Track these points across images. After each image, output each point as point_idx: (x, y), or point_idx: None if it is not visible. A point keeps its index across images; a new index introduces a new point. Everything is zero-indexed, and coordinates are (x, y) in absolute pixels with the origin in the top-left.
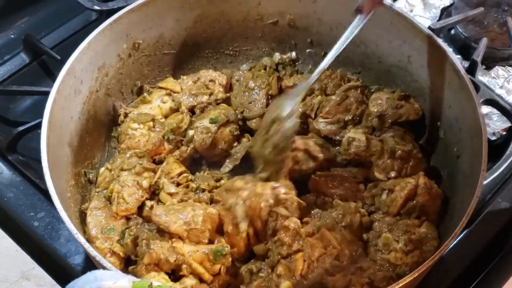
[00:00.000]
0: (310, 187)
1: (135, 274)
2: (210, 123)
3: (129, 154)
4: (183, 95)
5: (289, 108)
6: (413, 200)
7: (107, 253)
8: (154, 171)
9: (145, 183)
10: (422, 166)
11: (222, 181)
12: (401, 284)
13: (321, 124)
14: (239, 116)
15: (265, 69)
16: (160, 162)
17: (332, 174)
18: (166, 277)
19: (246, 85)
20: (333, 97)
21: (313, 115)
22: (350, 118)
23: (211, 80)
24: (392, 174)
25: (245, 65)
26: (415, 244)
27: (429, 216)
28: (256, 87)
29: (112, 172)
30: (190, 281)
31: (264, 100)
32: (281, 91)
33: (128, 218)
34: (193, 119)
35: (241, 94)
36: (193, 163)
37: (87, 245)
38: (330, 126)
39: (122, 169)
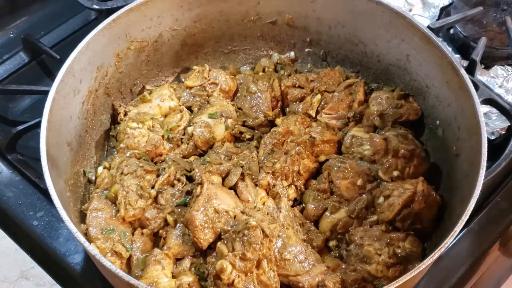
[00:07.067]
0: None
1: None
2: (209, 118)
3: (129, 154)
4: (182, 94)
5: None
6: (409, 207)
7: (108, 252)
8: (157, 174)
9: (153, 192)
10: (425, 165)
11: None
12: (396, 285)
13: (326, 119)
14: (240, 123)
15: (263, 70)
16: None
17: (345, 167)
18: (168, 273)
19: (247, 89)
20: (336, 93)
21: (314, 114)
22: (351, 115)
23: (211, 80)
24: (395, 173)
25: (244, 67)
26: (400, 259)
27: (423, 224)
28: (258, 91)
29: (112, 171)
30: (186, 278)
31: (268, 104)
32: (281, 92)
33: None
34: (191, 117)
35: (243, 99)
36: None
37: (86, 244)
38: (334, 121)
39: (123, 173)
